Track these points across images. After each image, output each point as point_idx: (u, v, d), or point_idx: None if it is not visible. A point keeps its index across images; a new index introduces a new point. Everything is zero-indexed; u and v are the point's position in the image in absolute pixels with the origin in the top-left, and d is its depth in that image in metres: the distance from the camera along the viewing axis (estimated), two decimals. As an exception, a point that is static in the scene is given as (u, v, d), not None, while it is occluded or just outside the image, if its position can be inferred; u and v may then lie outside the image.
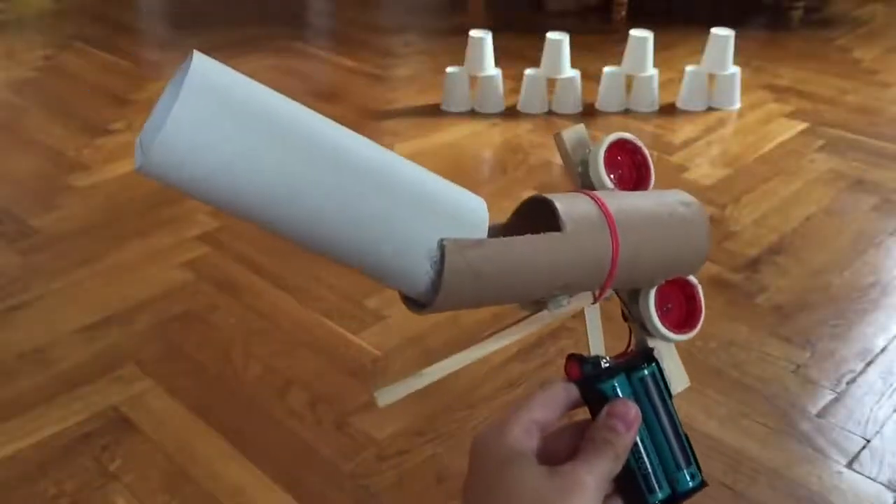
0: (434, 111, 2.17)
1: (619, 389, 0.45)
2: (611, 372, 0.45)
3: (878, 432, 1.16)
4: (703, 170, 1.88)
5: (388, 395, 0.43)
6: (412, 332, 1.34)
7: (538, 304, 0.45)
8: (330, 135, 0.38)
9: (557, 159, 1.97)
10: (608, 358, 0.46)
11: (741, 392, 1.22)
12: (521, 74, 2.16)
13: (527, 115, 2.15)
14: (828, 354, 1.31)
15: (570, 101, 2.16)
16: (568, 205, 0.43)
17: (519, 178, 1.86)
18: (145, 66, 2.51)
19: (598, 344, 0.48)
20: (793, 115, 2.16)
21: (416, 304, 0.42)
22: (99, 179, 1.83)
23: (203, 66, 0.35)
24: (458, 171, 1.86)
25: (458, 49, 2.22)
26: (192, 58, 0.35)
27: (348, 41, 2.69)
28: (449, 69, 2.15)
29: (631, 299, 0.49)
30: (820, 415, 1.19)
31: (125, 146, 1.98)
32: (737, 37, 2.16)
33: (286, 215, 0.37)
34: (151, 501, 1.05)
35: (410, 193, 0.40)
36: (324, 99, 2.23)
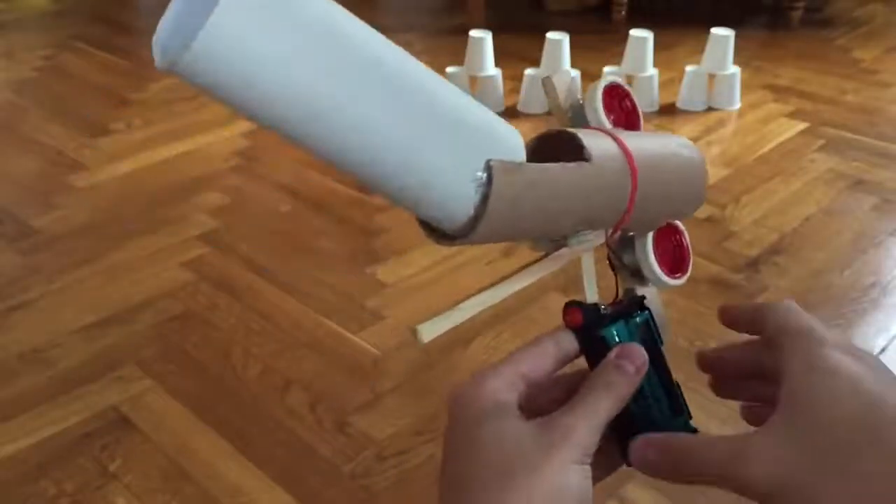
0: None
1: (618, 336, 0.44)
2: (612, 318, 0.44)
3: (878, 432, 1.16)
4: (703, 170, 1.88)
5: (429, 330, 0.41)
6: (412, 332, 1.34)
7: (555, 243, 0.44)
8: (380, 46, 0.36)
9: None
10: (605, 305, 0.45)
11: (741, 392, 1.22)
12: (521, 74, 2.16)
13: (527, 115, 2.15)
14: (828, 354, 1.30)
15: (570, 101, 2.16)
16: (590, 138, 0.42)
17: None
18: (145, 66, 2.50)
19: (593, 291, 0.47)
20: (793, 115, 2.16)
21: (446, 236, 0.40)
22: (99, 179, 1.83)
23: None
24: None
25: (458, 49, 2.22)
26: None
27: (348, 41, 2.69)
28: (449, 69, 2.15)
29: (621, 246, 0.49)
30: (820, 415, 1.19)
31: (125, 146, 1.99)
32: (737, 37, 2.16)
33: (327, 131, 0.34)
34: (151, 501, 1.05)
35: (457, 113, 0.38)
36: (324, 99, 2.23)
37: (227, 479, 1.08)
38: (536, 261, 0.44)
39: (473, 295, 0.42)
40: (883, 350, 1.31)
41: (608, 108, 0.48)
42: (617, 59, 2.21)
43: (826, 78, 2.39)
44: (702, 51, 2.20)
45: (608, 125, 0.46)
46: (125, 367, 1.27)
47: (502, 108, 2.17)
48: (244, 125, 2.08)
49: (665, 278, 0.48)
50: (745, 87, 2.25)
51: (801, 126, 2.10)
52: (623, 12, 2.74)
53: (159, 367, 1.27)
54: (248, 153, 1.95)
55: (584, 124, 0.47)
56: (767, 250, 1.57)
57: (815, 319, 0.41)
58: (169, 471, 1.09)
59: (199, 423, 1.17)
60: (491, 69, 2.15)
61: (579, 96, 0.48)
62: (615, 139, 0.43)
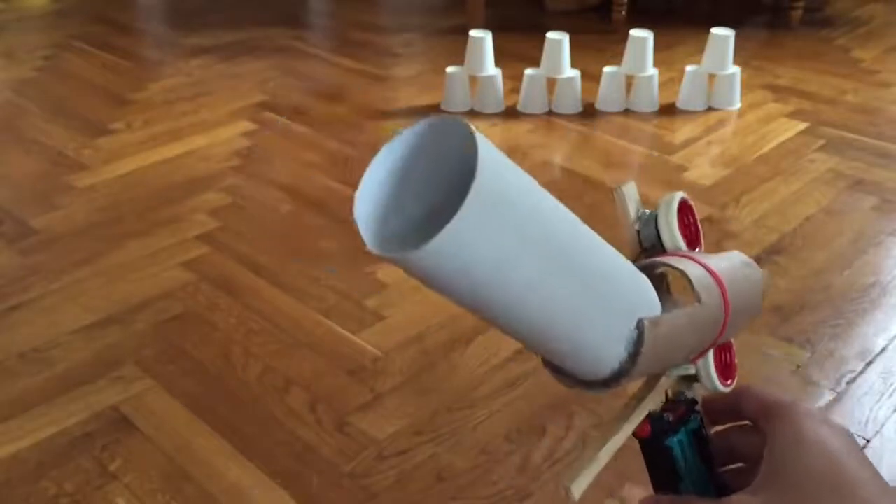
0: (434, 111, 2.17)
1: (681, 446, 0.46)
2: (675, 426, 0.46)
3: (878, 432, 1.16)
4: (703, 170, 1.88)
5: (579, 486, 0.43)
6: (412, 332, 1.34)
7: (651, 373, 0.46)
8: (570, 227, 0.37)
9: (557, 159, 1.97)
10: (668, 414, 0.46)
11: (741, 392, 1.22)
12: (521, 74, 2.16)
13: (527, 116, 2.15)
14: (828, 354, 1.31)
15: (570, 101, 2.16)
16: (692, 271, 0.44)
17: (519, 178, 1.86)
18: (145, 66, 2.51)
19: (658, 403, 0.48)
20: (793, 115, 2.16)
21: (579, 382, 0.41)
22: (99, 179, 1.83)
23: (489, 161, 0.31)
24: (458, 171, 1.86)
25: (458, 49, 2.22)
26: (473, 143, 0.31)
27: (348, 41, 2.69)
28: (449, 69, 2.15)
29: None
30: (820, 415, 1.19)
31: (125, 146, 1.99)
32: (737, 37, 2.16)
33: (514, 308, 0.35)
34: (151, 501, 1.05)
35: (618, 275, 0.40)
36: (324, 99, 2.24)
37: (227, 479, 1.08)
38: (643, 396, 0.46)
39: (603, 443, 0.44)
40: (883, 350, 1.32)
41: (678, 225, 0.48)
42: (617, 59, 2.21)
43: (826, 78, 2.40)
44: (702, 51, 2.20)
45: (683, 246, 0.47)
46: (125, 367, 1.27)
47: (502, 109, 2.17)
48: (244, 125, 2.08)
49: (721, 386, 0.49)
50: (745, 87, 2.25)
51: (801, 126, 2.10)
52: (623, 12, 2.74)
53: (159, 367, 1.27)
54: (248, 153, 1.95)
55: (653, 236, 0.48)
56: (767, 250, 1.57)
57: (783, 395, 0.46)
58: (169, 471, 1.10)
59: (199, 423, 1.17)
60: (491, 69, 2.15)
61: (641, 208, 0.49)
62: (707, 269, 0.45)
